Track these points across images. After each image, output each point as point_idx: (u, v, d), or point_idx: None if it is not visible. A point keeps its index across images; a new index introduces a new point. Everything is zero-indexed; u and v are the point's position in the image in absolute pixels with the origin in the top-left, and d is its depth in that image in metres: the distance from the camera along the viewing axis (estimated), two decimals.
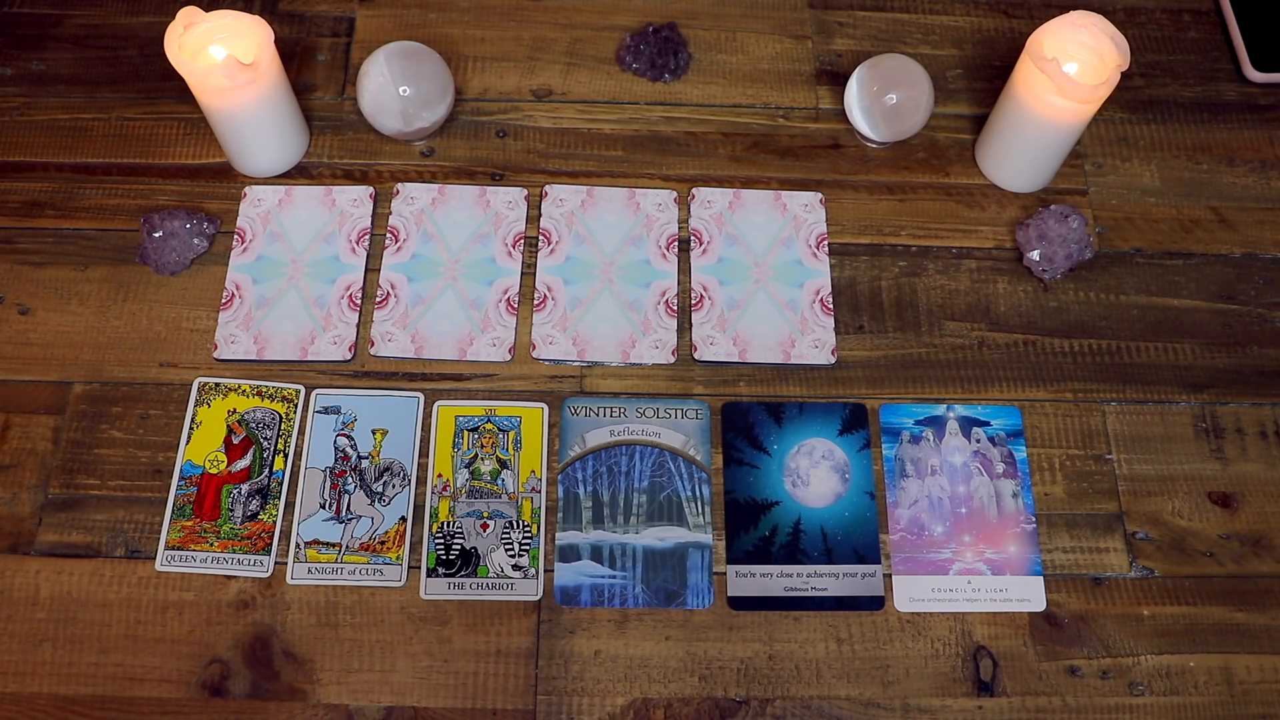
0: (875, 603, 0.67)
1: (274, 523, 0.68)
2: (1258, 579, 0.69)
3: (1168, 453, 0.72)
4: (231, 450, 0.70)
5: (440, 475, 0.70)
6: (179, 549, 0.67)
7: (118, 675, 0.64)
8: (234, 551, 0.67)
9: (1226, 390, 0.74)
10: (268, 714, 0.63)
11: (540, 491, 0.70)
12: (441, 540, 0.68)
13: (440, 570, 0.68)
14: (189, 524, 0.68)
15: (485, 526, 0.69)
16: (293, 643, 0.65)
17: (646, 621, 0.66)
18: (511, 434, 0.71)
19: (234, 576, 0.67)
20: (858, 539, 0.69)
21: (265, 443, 0.70)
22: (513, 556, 0.68)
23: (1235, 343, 0.76)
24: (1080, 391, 0.74)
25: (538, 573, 0.68)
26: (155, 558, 0.67)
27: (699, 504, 0.69)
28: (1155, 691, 0.65)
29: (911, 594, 0.67)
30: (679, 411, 0.72)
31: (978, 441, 0.71)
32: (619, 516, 0.69)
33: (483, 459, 0.71)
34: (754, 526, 0.69)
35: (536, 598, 0.67)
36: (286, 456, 0.70)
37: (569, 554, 0.68)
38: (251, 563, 0.67)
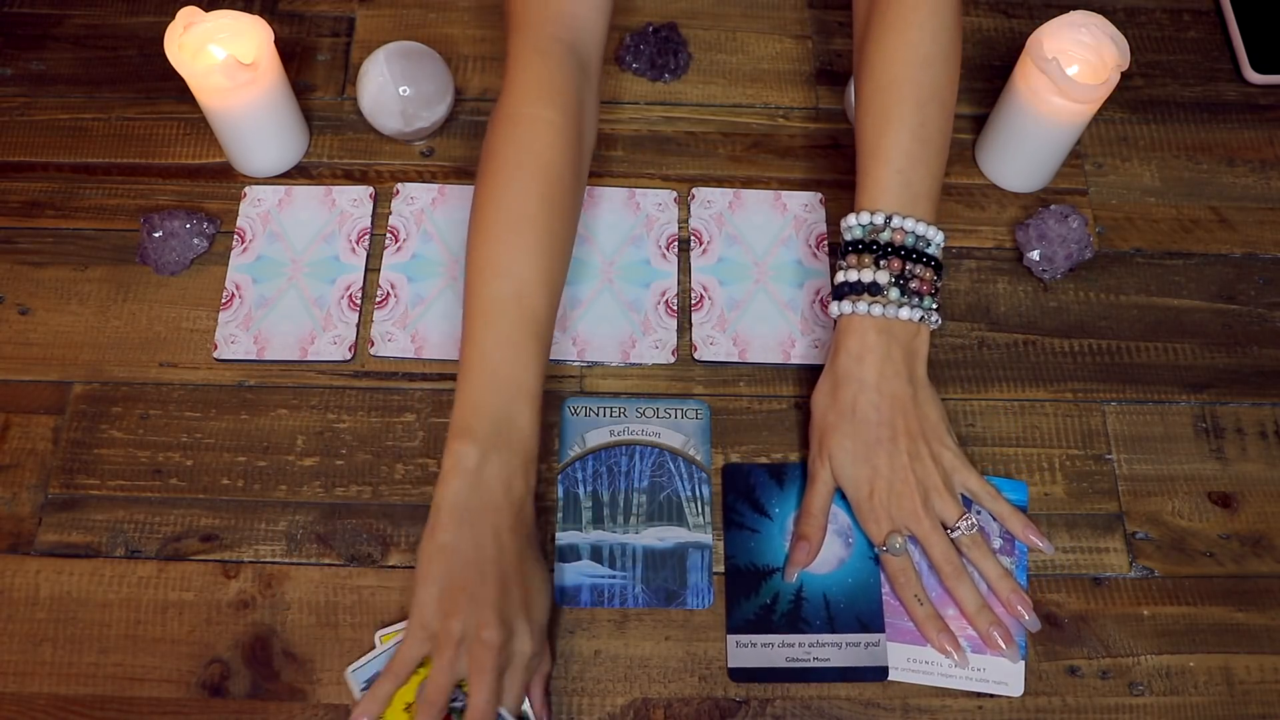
0: (879, 673, 0.65)
1: None
2: (1258, 579, 0.69)
3: (1168, 453, 0.72)
4: None
5: None
6: None
7: (118, 675, 0.64)
8: None
9: (1226, 390, 0.74)
10: (268, 714, 0.63)
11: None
12: None
13: None
14: None
15: None
16: (293, 643, 0.65)
17: (646, 621, 0.66)
18: None
19: None
20: (861, 606, 0.66)
21: None
22: None
23: (1235, 343, 0.76)
24: (1080, 391, 0.74)
25: None
26: None
27: (699, 504, 0.69)
28: (1155, 691, 0.65)
29: (893, 662, 0.65)
30: (679, 411, 0.72)
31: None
32: (619, 516, 0.69)
33: None
34: (755, 594, 0.66)
35: None
36: None
37: (569, 554, 0.68)
38: None
